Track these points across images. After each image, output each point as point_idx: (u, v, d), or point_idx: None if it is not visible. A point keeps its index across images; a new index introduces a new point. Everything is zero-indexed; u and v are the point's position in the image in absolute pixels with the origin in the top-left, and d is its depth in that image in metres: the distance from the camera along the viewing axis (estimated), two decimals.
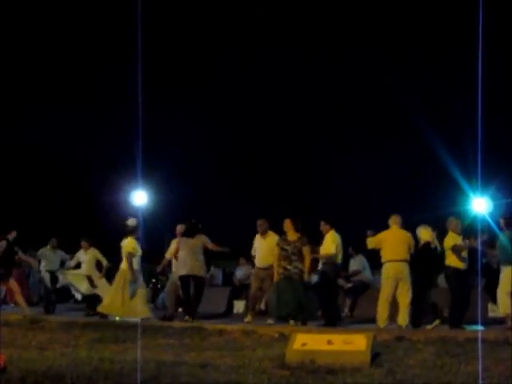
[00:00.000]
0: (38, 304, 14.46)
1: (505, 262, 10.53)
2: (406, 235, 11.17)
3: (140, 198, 14.79)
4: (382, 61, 26.11)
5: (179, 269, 12.40)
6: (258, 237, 12.16)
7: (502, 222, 10.64)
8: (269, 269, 11.80)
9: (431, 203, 19.69)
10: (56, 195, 29.72)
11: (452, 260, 10.81)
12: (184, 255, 12.28)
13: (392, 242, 11.03)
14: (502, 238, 10.47)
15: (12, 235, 13.82)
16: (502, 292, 10.50)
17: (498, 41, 19.74)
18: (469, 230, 10.97)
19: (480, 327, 10.02)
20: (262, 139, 30.06)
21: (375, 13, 26.73)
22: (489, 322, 10.84)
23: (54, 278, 14.87)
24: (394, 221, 11.23)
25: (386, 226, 11.29)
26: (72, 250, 14.66)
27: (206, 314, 12.97)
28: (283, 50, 28.39)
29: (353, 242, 13.76)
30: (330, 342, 6.91)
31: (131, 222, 12.81)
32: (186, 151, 27.33)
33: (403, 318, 10.84)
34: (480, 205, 11.16)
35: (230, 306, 15.33)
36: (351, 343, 6.85)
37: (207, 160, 29.37)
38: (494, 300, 11.05)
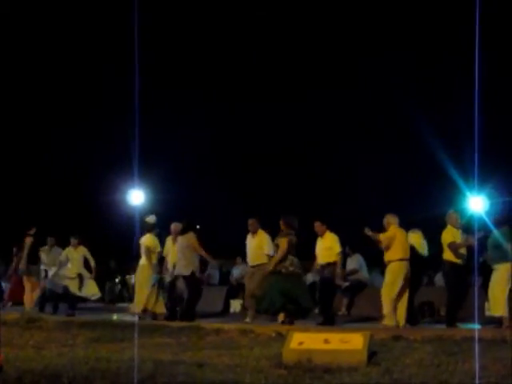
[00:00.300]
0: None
1: (500, 260, 10.39)
2: (406, 234, 11.18)
3: (137, 197, 14.80)
4: (382, 61, 26.14)
5: (175, 268, 12.51)
6: (248, 236, 12.22)
7: (494, 219, 10.58)
8: (257, 267, 11.85)
9: (428, 202, 19.73)
10: (54, 195, 29.72)
11: (449, 255, 10.78)
12: (177, 254, 12.40)
13: (400, 240, 11.02)
14: (498, 235, 10.39)
15: (33, 231, 13.88)
16: (498, 291, 10.34)
17: (497, 40, 19.77)
18: (466, 228, 10.96)
19: (477, 326, 10.00)
20: (260, 139, 30.08)
21: (375, 13, 26.77)
22: (486, 321, 10.81)
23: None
24: (393, 220, 11.21)
25: (382, 225, 11.27)
26: None
27: (203, 313, 12.98)
28: (282, 50, 28.42)
29: (350, 241, 13.77)
30: (326, 341, 6.89)
31: (150, 218, 12.88)
32: (183, 151, 27.36)
33: (401, 317, 10.82)
34: (477, 203, 11.15)
35: (227, 305, 15.35)
36: (348, 342, 6.83)
37: (204, 159, 29.40)
38: None
